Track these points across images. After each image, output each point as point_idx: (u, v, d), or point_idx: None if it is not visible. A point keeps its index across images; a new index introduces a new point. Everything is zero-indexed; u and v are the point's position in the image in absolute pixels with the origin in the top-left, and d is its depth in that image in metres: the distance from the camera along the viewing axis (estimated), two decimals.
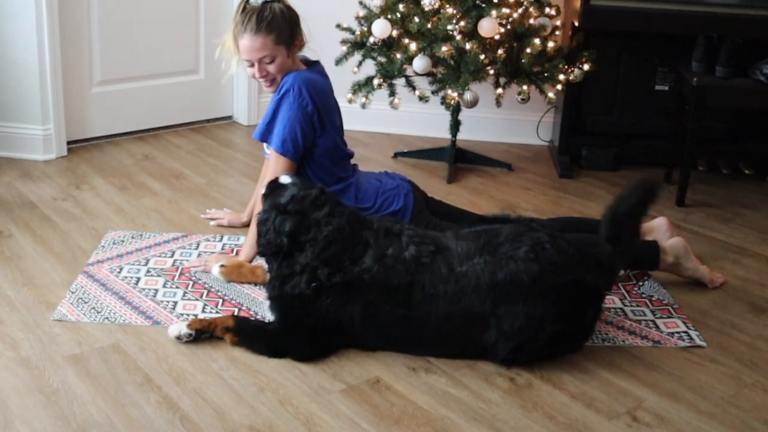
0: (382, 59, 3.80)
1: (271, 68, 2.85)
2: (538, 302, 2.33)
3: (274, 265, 2.46)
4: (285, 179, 2.56)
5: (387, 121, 4.53)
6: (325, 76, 3.02)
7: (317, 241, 2.39)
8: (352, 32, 3.85)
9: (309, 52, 3.00)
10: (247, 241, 2.89)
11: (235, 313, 2.63)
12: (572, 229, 2.93)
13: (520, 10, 3.69)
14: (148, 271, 2.90)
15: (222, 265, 2.82)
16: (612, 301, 2.80)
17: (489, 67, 3.68)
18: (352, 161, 3.12)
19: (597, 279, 2.43)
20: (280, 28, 2.81)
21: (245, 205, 3.42)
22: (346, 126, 4.56)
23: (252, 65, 2.86)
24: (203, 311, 2.65)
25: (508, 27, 3.67)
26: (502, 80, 3.79)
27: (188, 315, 2.62)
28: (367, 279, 2.37)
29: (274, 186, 2.55)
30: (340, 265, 2.37)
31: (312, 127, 2.86)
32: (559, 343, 2.41)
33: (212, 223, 3.32)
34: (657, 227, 3.05)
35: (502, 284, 2.34)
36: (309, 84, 2.84)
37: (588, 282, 2.40)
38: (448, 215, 3.04)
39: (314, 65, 3.02)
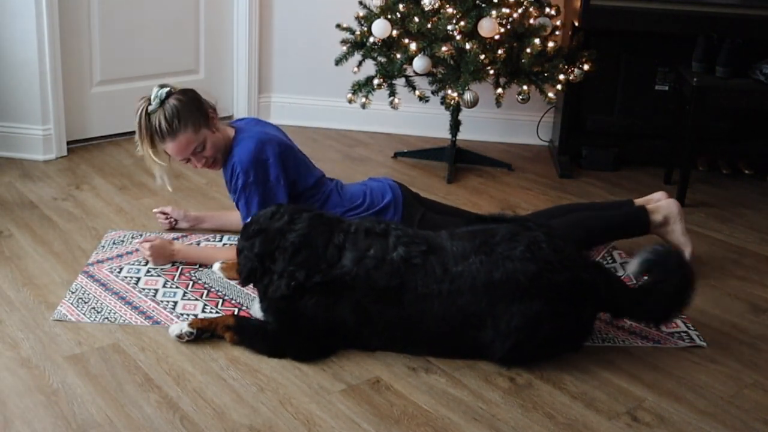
0: (382, 59, 3.80)
1: (207, 153, 2.83)
2: (534, 301, 2.34)
3: (258, 285, 2.50)
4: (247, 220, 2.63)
5: (387, 121, 4.53)
6: (253, 137, 2.87)
7: (285, 249, 2.42)
8: (352, 32, 3.85)
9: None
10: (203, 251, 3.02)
11: (235, 313, 2.64)
12: (568, 212, 2.98)
13: (520, 10, 3.69)
14: (148, 271, 2.90)
15: (222, 262, 2.83)
16: None
17: (489, 67, 3.68)
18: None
19: (594, 277, 2.43)
20: (190, 117, 2.77)
21: None
22: (347, 126, 4.61)
23: (188, 160, 2.86)
24: (203, 311, 2.65)
25: (508, 27, 3.67)
26: (502, 80, 3.79)
27: (188, 315, 2.62)
28: (348, 280, 2.37)
29: (242, 228, 2.60)
30: (317, 267, 2.39)
31: (287, 167, 2.84)
32: (556, 341, 2.41)
33: (161, 222, 3.26)
34: (658, 199, 3.11)
35: (498, 284, 2.34)
36: (257, 152, 2.78)
37: (585, 280, 2.40)
38: (445, 213, 3.03)
39: (240, 132, 2.91)
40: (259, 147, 2.79)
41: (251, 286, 2.79)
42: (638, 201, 3.15)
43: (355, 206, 2.89)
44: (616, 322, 2.65)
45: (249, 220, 2.59)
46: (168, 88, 2.80)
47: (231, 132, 2.92)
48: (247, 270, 2.48)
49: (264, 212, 2.54)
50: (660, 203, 3.03)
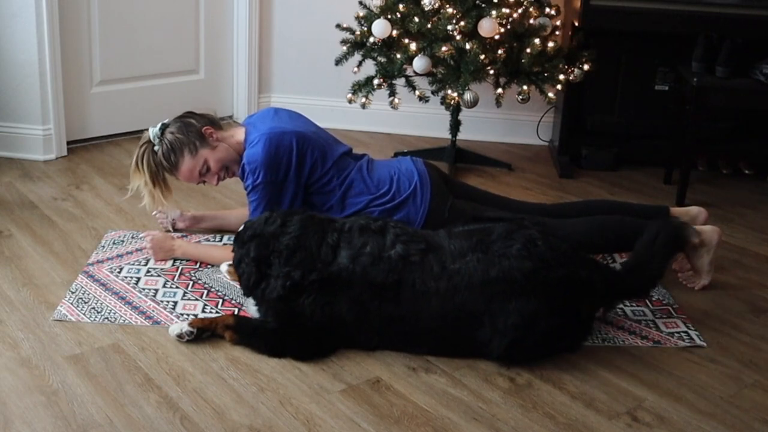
0: (382, 59, 3.80)
1: (213, 170, 2.91)
2: (531, 299, 2.34)
3: (256, 291, 2.49)
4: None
5: (387, 121, 4.53)
6: (263, 136, 2.84)
7: (280, 252, 2.43)
8: (352, 32, 3.85)
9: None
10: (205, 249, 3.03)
11: (235, 313, 2.64)
12: (597, 212, 2.96)
13: (520, 10, 3.69)
14: (148, 271, 2.90)
15: (230, 264, 2.84)
16: None
17: (489, 67, 3.68)
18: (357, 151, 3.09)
19: (590, 274, 2.43)
20: (185, 144, 2.87)
21: (244, 205, 3.41)
22: (347, 126, 4.61)
23: (202, 182, 2.96)
24: (203, 311, 2.65)
25: (508, 27, 3.67)
26: (502, 80, 3.79)
27: (188, 315, 2.62)
28: (345, 277, 2.38)
29: (235, 236, 2.60)
30: (313, 267, 2.39)
31: (303, 164, 2.83)
32: (554, 339, 2.41)
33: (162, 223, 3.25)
34: (695, 215, 3.07)
35: (495, 281, 2.35)
36: (265, 152, 2.78)
37: (581, 277, 2.41)
38: (468, 197, 3.01)
39: (250, 132, 2.92)
40: (268, 146, 2.78)
41: None
42: (674, 211, 3.08)
43: (380, 194, 2.85)
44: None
45: (242, 227, 2.58)
46: (160, 124, 2.92)
47: (241, 134, 2.93)
48: (250, 278, 2.48)
49: (258, 219, 2.56)
50: (704, 229, 2.92)
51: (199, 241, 3.15)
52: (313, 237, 2.44)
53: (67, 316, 2.59)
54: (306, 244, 2.43)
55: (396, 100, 3.83)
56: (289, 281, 2.39)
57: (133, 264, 2.95)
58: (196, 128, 2.89)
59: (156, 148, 2.89)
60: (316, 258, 2.41)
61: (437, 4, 3.63)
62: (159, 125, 2.91)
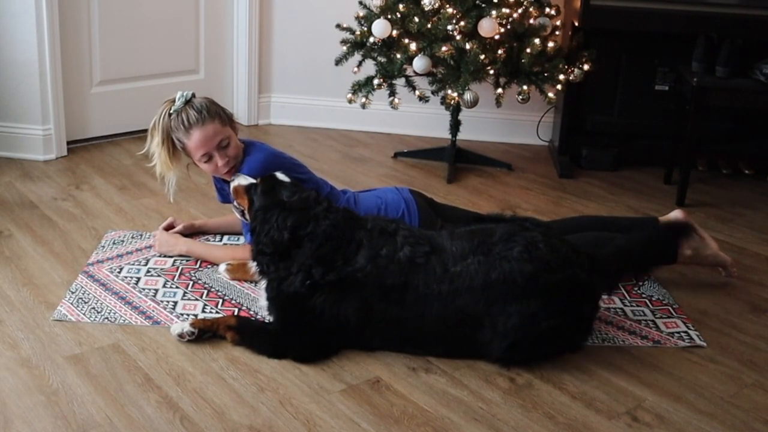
0: (382, 59, 3.80)
1: (230, 151, 2.81)
2: (531, 301, 2.34)
3: (271, 267, 2.47)
4: (282, 176, 2.58)
5: (387, 121, 4.53)
6: (264, 150, 2.90)
7: (316, 236, 2.41)
8: (352, 32, 3.85)
9: None
10: (216, 248, 3.02)
11: (236, 313, 2.64)
12: (588, 228, 2.93)
13: (520, 10, 3.69)
14: (148, 271, 2.90)
15: (228, 264, 2.84)
16: (612, 301, 2.81)
17: (489, 67, 3.68)
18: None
19: (591, 276, 2.43)
20: (218, 112, 2.81)
21: None
22: (347, 126, 4.61)
23: (210, 158, 2.80)
24: (203, 311, 2.65)
25: (508, 27, 3.67)
26: (502, 80, 3.79)
27: (188, 315, 2.62)
28: (360, 278, 2.38)
29: (272, 182, 2.56)
30: (333, 264, 2.39)
31: None
32: (554, 341, 2.42)
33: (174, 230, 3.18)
34: (674, 221, 3.05)
35: (495, 284, 2.35)
36: (264, 164, 2.77)
37: (582, 279, 2.41)
38: (457, 219, 3.00)
39: (250, 146, 2.92)
40: (270, 159, 2.81)
41: (251, 283, 2.79)
42: (660, 219, 3.06)
43: None
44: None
45: (293, 194, 2.50)
46: (192, 91, 2.86)
47: (240, 144, 2.93)
48: (276, 244, 2.43)
49: (310, 194, 2.52)
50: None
51: (200, 241, 3.15)
52: (347, 231, 2.44)
53: (67, 316, 2.59)
54: (338, 236, 2.42)
55: (396, 100, 3.84)
56: (309, 280, 2.39)
57: (133, 264, 2.95)
58: (227, 111, 2.89)
59: (175, 107, 2.78)
60: (338, 255, 2.40)
61: (437, 4, 3.63)
62: (190, 91, 2.84)
